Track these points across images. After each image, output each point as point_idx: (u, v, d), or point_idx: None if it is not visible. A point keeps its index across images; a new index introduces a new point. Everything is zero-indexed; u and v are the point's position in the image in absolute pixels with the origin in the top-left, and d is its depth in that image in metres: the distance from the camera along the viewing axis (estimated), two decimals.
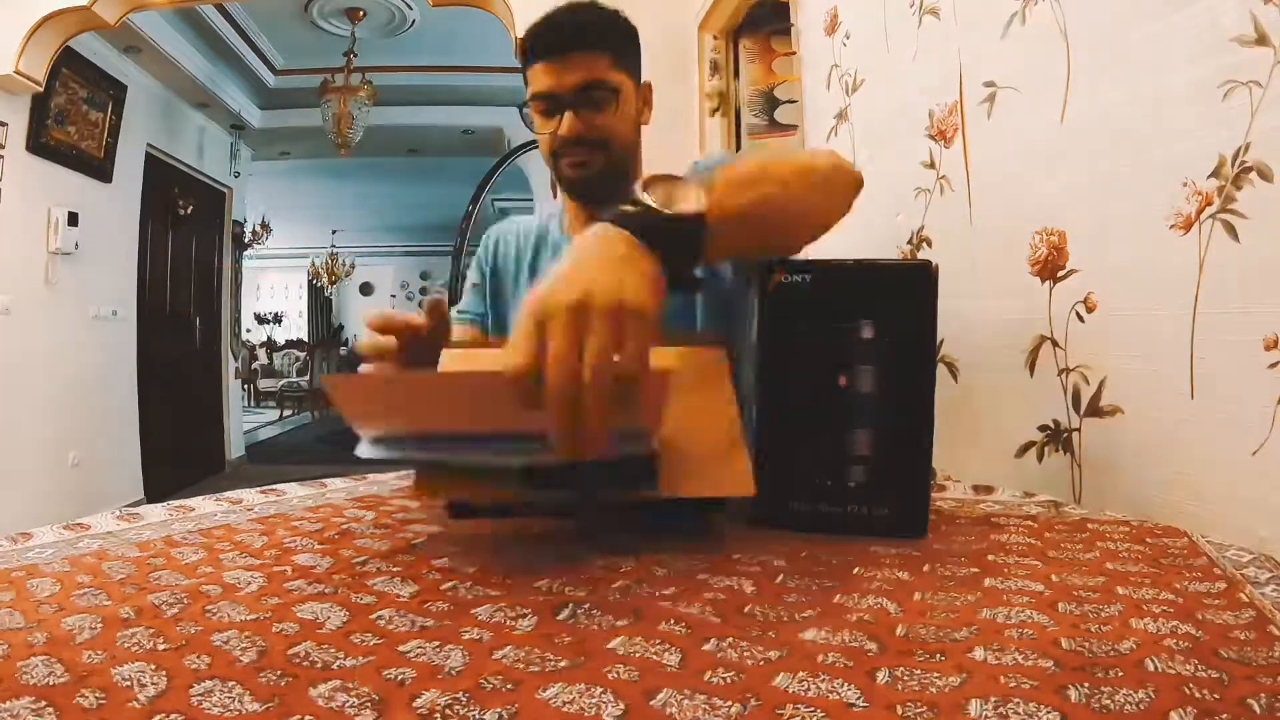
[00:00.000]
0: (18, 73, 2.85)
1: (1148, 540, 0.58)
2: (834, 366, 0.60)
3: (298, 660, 0.37)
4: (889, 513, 0.59)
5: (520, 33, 2.57)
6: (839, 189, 0.73)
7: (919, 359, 0.60)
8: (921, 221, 1.15)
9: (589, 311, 0.46)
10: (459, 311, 1.16)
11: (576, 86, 0.95)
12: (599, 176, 0.99)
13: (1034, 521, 0.64)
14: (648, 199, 0.55)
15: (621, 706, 0.33)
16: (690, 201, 0.56)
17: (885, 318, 0.60)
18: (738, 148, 2.48)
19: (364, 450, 0.54)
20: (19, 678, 0.35)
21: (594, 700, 0.33)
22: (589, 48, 0.97)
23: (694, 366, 0.62)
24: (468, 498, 0.62)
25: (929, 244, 1.14)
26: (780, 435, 0.62)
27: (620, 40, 1.01)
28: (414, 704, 0.33)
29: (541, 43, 0.97)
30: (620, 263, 0.51)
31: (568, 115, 0.96)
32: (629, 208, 0.55)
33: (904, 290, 0.60)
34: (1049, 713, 0.32)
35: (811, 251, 0.73)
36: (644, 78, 1.05)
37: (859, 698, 0.33)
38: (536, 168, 5.25)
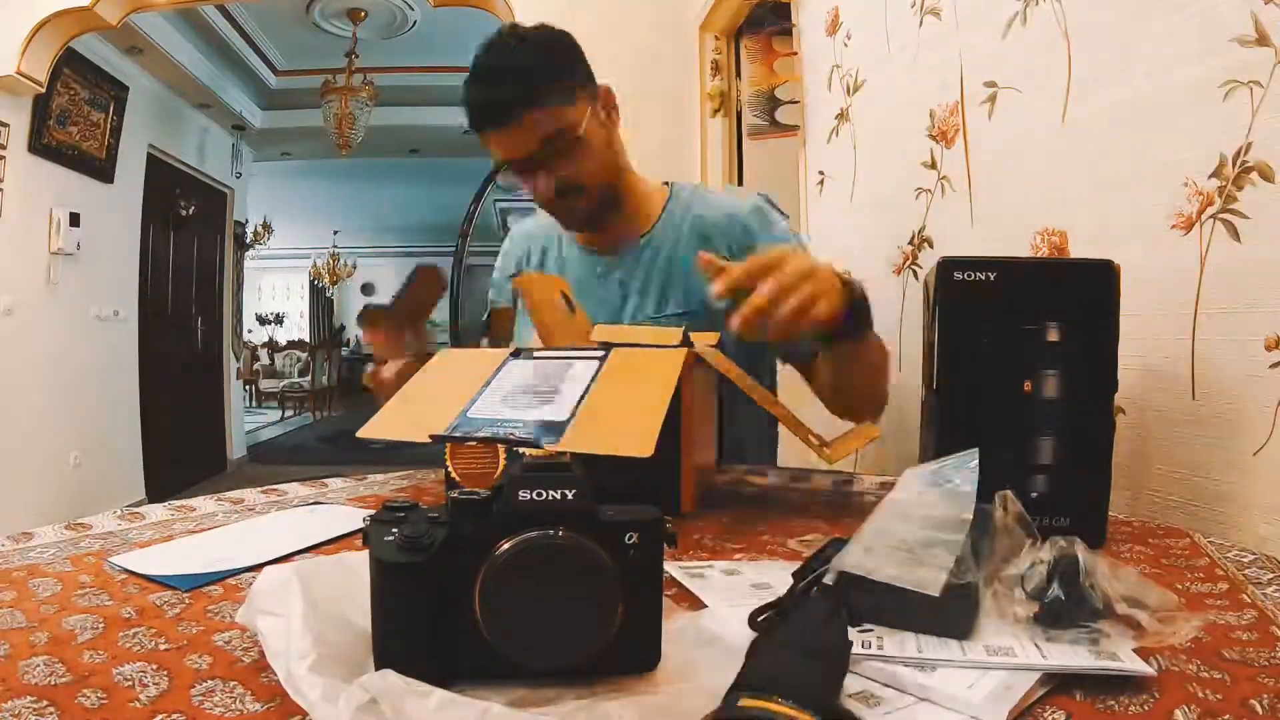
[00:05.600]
0: (19, 73, 2.85)
1: (1150, 541, 0.58)
2: (1019, 371, 0.57)
3: None
4: (1069, 524, 0.56)
5: None
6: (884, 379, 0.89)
7: (1103, 363, 0.57)
8: (923, 222, 1.15)
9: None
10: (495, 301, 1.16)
11: (538, 148, 0.91)
12: (590, 214, 0.99)
13: None
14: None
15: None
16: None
17: (1069, 319, 0.57)
18: (739, 148, 2.49)
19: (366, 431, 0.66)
20: (21, 677, 0.35)
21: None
22: (534, 104, 0.89)
23: (651, 360, 0.67)
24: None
25: (930, 244, 1.14)
26: (958, 443, 0.57)
27: (558, 73, 0.92)
28: None
29: (485, 116, 0.91)
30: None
31: (540, 176, 0.93)
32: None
33: (1087, 290, 0.57)
34: (1054, 711, 0.32)
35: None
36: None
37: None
38: None
